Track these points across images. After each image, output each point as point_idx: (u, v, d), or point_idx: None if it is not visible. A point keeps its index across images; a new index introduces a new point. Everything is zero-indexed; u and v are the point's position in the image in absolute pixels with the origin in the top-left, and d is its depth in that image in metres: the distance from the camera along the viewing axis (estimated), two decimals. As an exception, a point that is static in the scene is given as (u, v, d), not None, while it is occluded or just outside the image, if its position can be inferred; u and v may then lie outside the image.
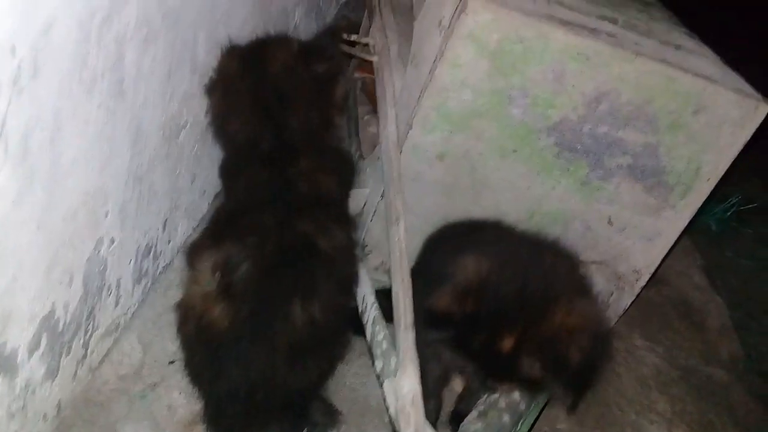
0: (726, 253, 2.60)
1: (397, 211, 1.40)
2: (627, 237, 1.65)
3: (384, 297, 1.35)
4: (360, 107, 2.17)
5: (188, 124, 1.50)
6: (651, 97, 1.47)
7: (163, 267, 1.58)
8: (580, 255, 1.66)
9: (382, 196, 1.58)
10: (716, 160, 1.55)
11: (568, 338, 1.11)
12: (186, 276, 1.27)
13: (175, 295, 1.35)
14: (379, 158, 1.64)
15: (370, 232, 1.68)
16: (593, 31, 1.47)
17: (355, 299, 1.39)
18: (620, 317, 1.81)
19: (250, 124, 1.38)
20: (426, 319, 1.15)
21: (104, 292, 1.29)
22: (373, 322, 1.33)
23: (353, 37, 2.04)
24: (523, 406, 1.27)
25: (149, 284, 1.52)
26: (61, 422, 1.24)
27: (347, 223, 1.37)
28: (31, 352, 1.07)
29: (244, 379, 1.14)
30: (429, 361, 1.25)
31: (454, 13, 1.41)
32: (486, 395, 1.30)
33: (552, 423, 1.54)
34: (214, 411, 1.22)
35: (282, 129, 1.37)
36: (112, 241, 1.26)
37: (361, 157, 1.91)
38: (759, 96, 1.51)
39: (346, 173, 1.52)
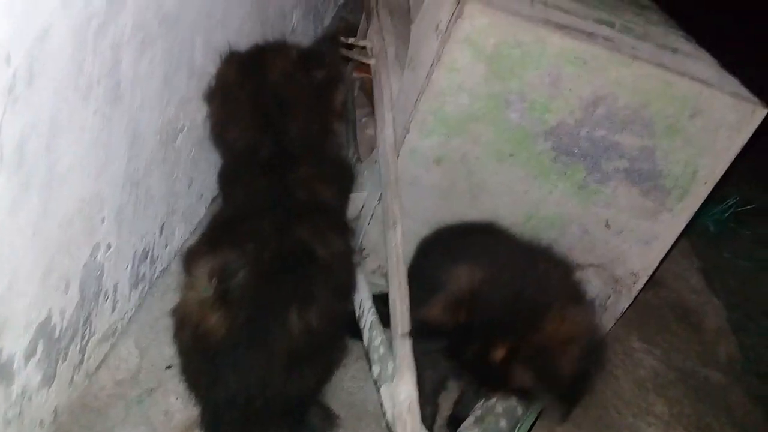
0: (724, 255, 2.60)
1: (394, 215, 1.40)
2: (624, 240, 1.65)
3: (381, 302, 1.36)
4: (358, 109, 2.17)
5: (185, 128, 1.50)
6: (648, 101, 1.47)
7: (161, 271, 1.58)
8: (578, 258, 1.67)
9: (379, 199, 1.58)
10: (713, 163, 1.55)
11: (560, 349, 1.12)
12: (182, 281, 1.27)
13: (173, 298, 1.34)
14: (376, 162, 1.64)
15: (368, 235, 1.68)
16: (590, 35, 1.47)
17: (352, 305, 1.39)
18: (618, 320, 1.81)
19: (250, 131, 1.38)
20: (418, 330, 1.16)
21: (101, 298, 1.29)
22: (371, 327, 1.33)
23: (351, 40, 2.04)
24: (520, 411, 1.27)
25: (146, 289, 1.52)
26: (57, 428, 1.24)
27: (345, 230, 1.37)
28: (27, 358, 1.07)
29: (242, 387, 1.14)
30: (426, 365, 1.25)
31: (451, 17, 1.40)
32: (483, 400, 1.30)
33: (549, 427, 1.54)
34: (212, 418, 1.22)
35: (281, 136, 1.37)
36: (109, 246, 1.26)
37: (359, 160, 1.91)
38: (756, 100, 1.51)
39: (344, 181, 1.52)
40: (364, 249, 1.69)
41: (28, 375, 1.09)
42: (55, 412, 1.23)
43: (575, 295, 1.27)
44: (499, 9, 1.40)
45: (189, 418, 1.32)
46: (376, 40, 1.96)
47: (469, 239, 1.45)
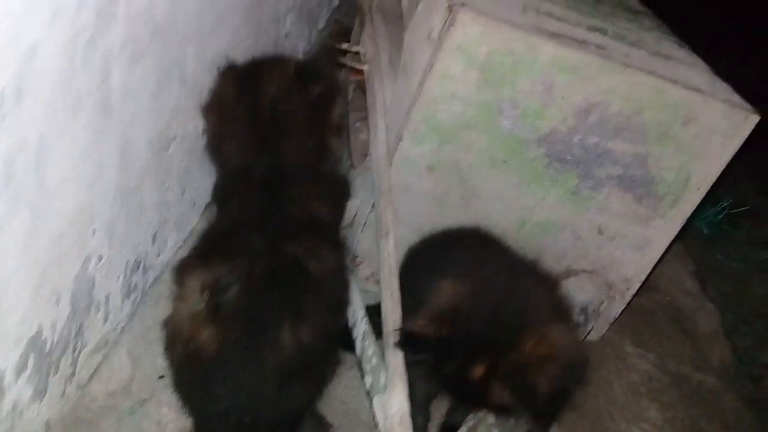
0: (717, 257, 2.61)
1: (386, 224, 1.40)
2: (617, 246, 1.66)
3: (374, 312, 1.36)
4: (352, 113, 2.16)
5: (177, 137, 1.50)
6: (640, 109, 1.48)
7: (153, 280, 1.57)
8: (571, 264, 1.67)
9: (372, 206, 1.57)
10: (705, 170, 1.55)
11: (538, 367, 1.12)
12: (174, 292, 1.27)
13: (166, 307, 1.33)
14: (369, 168, 1.64)
15: (361, 242, 1.68)
16: (582, 43, 1.47)
17: (345, 321, 1.39)
18: (611, 325, 1.81)
19: (246, 146, 1.37)
20: (404, 340, 1.16)
21: (92, 309, 1.28)
22: (363, 337, 1.33)
23: (344, 46, 2.03)
24: (512, 422, 1.27)
25: (139, 298, 1.51)
26: (50, 441, 1.24)
27: (339, 246, 1.36)
28: (18, 373, 1.06)
29: (234, 404, 1.14)
30: (418, 374, 1.25)
31: (444, 25, 1.40)
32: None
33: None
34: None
35: (277, 152, 1.36)
36: (100, 258, 1.25)
37: (352, 166, 1.91)
38: (748, 106, 1.51)
39: (340, 197, 1.51)
40: (357, 256, 1.69)
41: (19, 390, 1.08)
42: (47, 425, 1.22)
43: (557, 311, 1.27)
44: (491, 17, 1.40)
45: (182, 429, 1.32)
46: (369, 46, 1.96)
47: (455, 251, 1.44)
